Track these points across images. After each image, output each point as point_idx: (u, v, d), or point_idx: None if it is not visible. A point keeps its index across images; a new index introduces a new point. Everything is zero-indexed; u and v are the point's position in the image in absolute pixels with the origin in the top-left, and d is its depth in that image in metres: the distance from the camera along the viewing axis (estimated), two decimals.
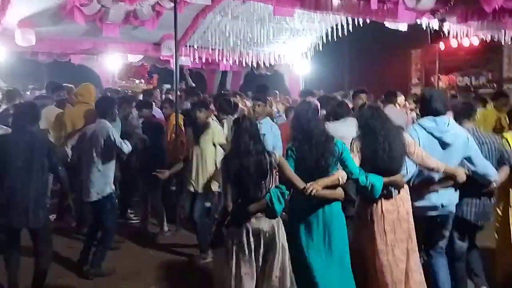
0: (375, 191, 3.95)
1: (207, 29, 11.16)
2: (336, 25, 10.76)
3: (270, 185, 3.67)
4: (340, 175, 3.91)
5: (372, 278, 4.07)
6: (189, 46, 11.58)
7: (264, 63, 13.15)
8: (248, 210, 3.60)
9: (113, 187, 5.48)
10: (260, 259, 3.60)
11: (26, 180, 4.40)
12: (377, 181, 3.94)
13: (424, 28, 8.37)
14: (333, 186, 3.92)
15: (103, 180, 5.31)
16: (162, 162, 6.36)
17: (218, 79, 16.35)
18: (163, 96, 11.14)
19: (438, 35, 8.29)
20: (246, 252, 3.57)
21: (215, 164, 5.55)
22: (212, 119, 5.97)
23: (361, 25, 10.01)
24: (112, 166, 5.42)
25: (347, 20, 10.20)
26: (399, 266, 3.99)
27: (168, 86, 12.16)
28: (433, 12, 7.31)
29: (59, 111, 7.03)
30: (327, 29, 11.44)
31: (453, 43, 12.43)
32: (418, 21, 7.70)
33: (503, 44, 10.08)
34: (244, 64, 12.99)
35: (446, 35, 8.69)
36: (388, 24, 8.30)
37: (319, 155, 3.86)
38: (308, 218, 3.98)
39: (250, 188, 3.59)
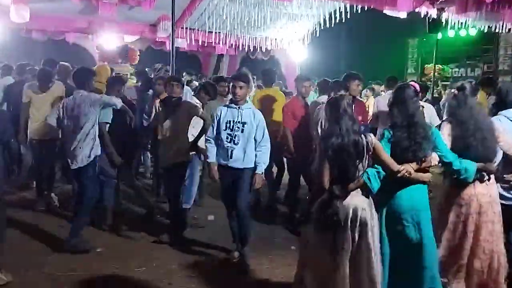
0: (469, 175, 4.08)
1: (204, 11, 11.06)
2: (334, 11, 10.73)
3: (366, 166, 3.73)
4: (433, 157, 3.98)
5: (462, 258, 4.20)
6: (186, 28, 11.49)
7: (260, 48, 13.07)
8: (347, 187, 3.65)
9: (99, 151, 5.60)
10: (356, 235, 3.63)
11: None
12: (471, 166, 4.06)
13: (422, 17, 8.34)
14: (424, 170, 3.96)
15: (90, 145, 5.48)
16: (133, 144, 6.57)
17: (213, 63, 16.26)
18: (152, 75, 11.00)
19: (435, 24, 8.24)
20: (344, 227, 3.61)
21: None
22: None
23: (359, 12, 10.01)
24: (96, 131, 5.57)
25: (345, 6, 10.19)
26: (486, 247, 4.17)
27: (159, 65, 12.04)
28: (432, 1, 7.28)
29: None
30: (324, 15, 11.37)
31: (450, 34, 12.42)
32: (417, 10, 7.66)
33: (499, 35, 10.08)
34: (240, 48, 12.91)
35: (444, 25, 8.67)
36: (387, 11, 8.27)
37: (419, 142, 3.88)
38: (397, 205, 3.97)
39: (349, 167, 3.65)
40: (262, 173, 4.96)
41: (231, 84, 5.14)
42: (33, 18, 8.92)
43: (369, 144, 3.71)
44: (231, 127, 4.90)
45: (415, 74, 16.36)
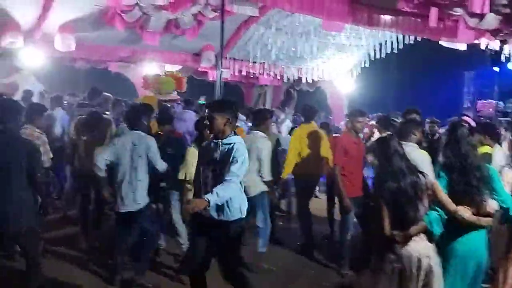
0: None
1: (249, 41, 11.21)
2: (385, 42, 10.68)
3: (426, 207, 3.66)
4: (490, 205, 3.84)
5: None
6: (229, 58, 11.63)
7: (306, 79, 13.06)
8: (409, 233, 3.57)
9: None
10: (420, 284, 3.56)
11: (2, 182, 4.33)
12: None
13: (483, 49, 8.12)
14: (483, 214, 3.84)
15: (144, 189, 5.34)
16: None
17: (256, 94, 16.33)
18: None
19: (497, 57, 8.01)
20: (409, 276, 3.54)
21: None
22: None
23: (412, 42, 9.89)
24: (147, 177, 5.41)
25: (397, 36, 10.11)
26: None
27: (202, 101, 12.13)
28: (494, 33, 7.09)
29: None
30: (374, 46, 11.34)
31: (511, 66, 12.07)
32: (477, 41, 7.48)
33: None
34: (285, 79, 12.95)
35: (506, 58, 8.42)
36: (445, 43, 8.11)
37: (475, 185, 3.78)
38: (457, 248, 3.86)
39: (409, 210, 3.57)
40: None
41: None
42: (77, 46, 9.20)
43: (428, 182, 3.63)
44: None
45: (471, 109, 15.91)
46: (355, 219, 6.13)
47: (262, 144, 5.97)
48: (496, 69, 12.77)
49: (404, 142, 4.65)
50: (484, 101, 14.06)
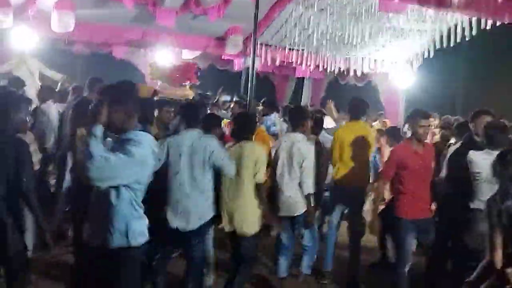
0: None
1: (285, 24, 11.19)
2: (455, 26, 10.51)
3: None
4: None
5: None
6: (260, 43, 11.62)
7: (354, 71, 12.98)
8: None
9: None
10: None
11: None
12: None
13: None
14: None
15: (207, 203, 5.40)
16: None
17: (291, 88, 16.35)
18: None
19: None
20: None
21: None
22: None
23: (489, 28, 9.71)
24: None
25: (470, 20, 9.94)
26: None
27: (227, 98, 12.16)
28: None
29: None
30: (441, 31, 11.18)
31: None
32: None
33: None
34: (328, 71, 12.89)
35: None
36: None
37: None
38: None
39: None
40: None
41: None
42: (76, 27, 9.29)
43: None
44: None
45: None
46: (414, 247, 6.07)
47: (305, 149, 5.99)
48: None
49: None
50: None
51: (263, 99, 11.15)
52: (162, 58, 12.04)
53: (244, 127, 5.78)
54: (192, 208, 5.25)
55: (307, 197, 6.01)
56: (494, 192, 3.91)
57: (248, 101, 7.36)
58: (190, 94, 11.60)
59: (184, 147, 5.27)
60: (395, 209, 5.92)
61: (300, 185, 6.00)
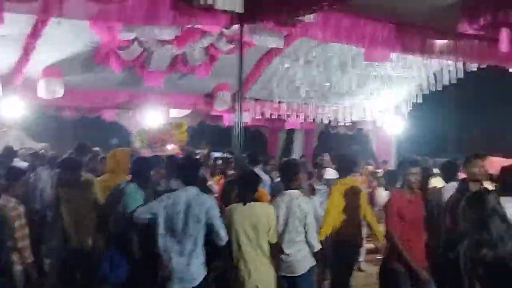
0: None
1: (273, 77, 11.27)
2: (442, 71, 10.62)
3: None
4: None
5: None
6: (249, 98, 11.67)
7: (344, 120, 13.03)
8: None
9: None
10: None
11: None
12: None
13: None
14: None
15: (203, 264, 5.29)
16: None
17: (282, 140, 16.33)
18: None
19: None
20: None
21: None
22: None
23: (475, 70, 9.81)
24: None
25: (455, 64, 10.05)
26: None
27: (217, 154, 12.11)
28: None
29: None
30: (428, 76, 11.29)
31: None
32: None
33: None
34: (318, 121, 12.94)
35: None
36: None
37: None
38: None
39: None
40: None
41: None
42: (64, 93, 9.31)
43: None
44: None
45: None
46: None
47: (305, 205, 5.86)
48: None
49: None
50: None
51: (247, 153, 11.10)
52: (151, 119, 12.01)
53: (251, 187, 5.69)
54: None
55: (316, 253, 5.91)
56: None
57: (235, 156, 7.27)
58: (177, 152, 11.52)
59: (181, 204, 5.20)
60: (391, 261, 5.81)
61: (307, 242, 5.87)
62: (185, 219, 5.14)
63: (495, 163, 9.70)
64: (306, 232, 5.78)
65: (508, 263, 3.41)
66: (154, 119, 12.12)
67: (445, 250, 5.89)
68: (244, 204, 5.39)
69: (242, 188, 5.58)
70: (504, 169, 5.50)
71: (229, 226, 5.29)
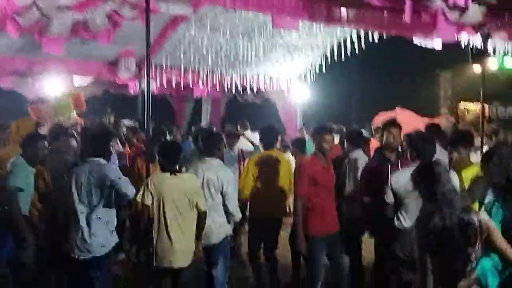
0: None
1: (179, 44, 11.08)
2: (344, 41, 10.80)
3: (478, 254, 3.55)
4: None
5: None
6: (154, 65, 11.44)
7: (251, 88, 13.04)
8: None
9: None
10: None
11: None
12: None
13: (463, 46, 8.37)
14: None
15: (107, 229, 5.40)
16: None
17: (190, 109, 16.22)
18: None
19: (479, 54, 8.27)
20: None
21: None
22: None
23: (376, 40, 10.04)
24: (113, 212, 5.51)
25: (358, 33, 10.24)
26: None
27: (127, 122, 11.86)
28: (476, 27, 7.30)
29: None
30: (332, 45, 11.47)
31: (493, 65, 12.49)
32: (456, 38, 7.70)
33: None
34: (225, 90, 12.89)
35: (491, 54, 8.72)
36: (418, 41, 8.27)
37: None
38: None
39: (457, 259, 3.51)
40: None
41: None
42: None
43: (482, 224, 3.52)
44: None
45: (449, 115, 16.39)
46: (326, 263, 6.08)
47: (225, 174, 5.93)
48: (477, 68, 13.18)
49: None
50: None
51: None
52: (52, 87, 11.57)
53: (175, 157, 5.59)
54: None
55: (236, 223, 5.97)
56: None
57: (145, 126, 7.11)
58: (79, 121, 11.15)
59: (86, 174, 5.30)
60: (305, 227, 5.89)
61: (226, 212, 5.89)
62: (90, 189, 5.26)
63: (405, 117, 10.04)
64: (225, 201, 5.82)
65: (455, 233, 3.49)
66: (56, 87, 11.69)
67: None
68: (171, 174, 5.35)
69: (167, 158, 5.51)
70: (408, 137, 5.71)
71: (154, 195, 5.23)
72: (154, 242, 5.37)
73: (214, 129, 10.06)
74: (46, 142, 6.41)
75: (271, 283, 6.91)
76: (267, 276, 6.94)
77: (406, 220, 5.40)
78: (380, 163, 6.15)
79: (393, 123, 6.35)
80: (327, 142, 5.96)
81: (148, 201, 5.29)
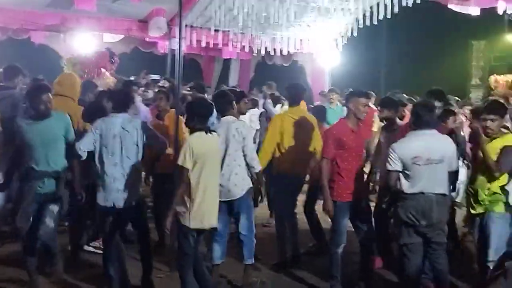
0: None
1: (210, 5, 11.00)
2: (377, 5, 10.61)
3: None
4: None
5: None
6: (185, 25, 11.38)
7: (280, 51, 12.94)
8: None
9: None
10: None
11: None
12: None
13: (501, 14, 8.15)
14: None
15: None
16: None
17: (218, 69, 16.17)
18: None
19: None
20: None
21: None
22: None
23: (409, 5, 9.85)
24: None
25: None
26: None
27: (156, 76, 11.93)
28: None
29: None
30: (365, 10, 11.28)
31: None
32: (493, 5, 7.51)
33: None
34: (254, 52, 12.82)
35: None
36: (455, 7, 8.08)
37: None
38: None
39: None
40: None
41: None
42: None
43: None
44: None
45: (481, 87, 16.09)
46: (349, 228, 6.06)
47: (243, 129, 5.95)
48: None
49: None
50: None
51: (191, 83, 10.93)
52: (83, 43, 11.60)
53: (208, 116, 5.56)
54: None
55: (258, 174, 6.02)
56: None
57: (177, 85, 7.11)
58: (111, 81, 11.20)
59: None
60: (330, 192, 5.86)
61: (247, 165, 5.92)
62: (121, 143, 5.41)
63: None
64: (245, 155, 5.84)
65: None
66: (87, 44, 11.73)
67: None
68: (206, 133, 5.28)
69: (202, 116, 5.39)
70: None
71: (191, 155, 5.15)
72: (192, 204, 5.25)
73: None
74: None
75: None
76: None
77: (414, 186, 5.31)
78: None
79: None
80: (363, 106, 5.90)
81: (189, 165, 5.17)
